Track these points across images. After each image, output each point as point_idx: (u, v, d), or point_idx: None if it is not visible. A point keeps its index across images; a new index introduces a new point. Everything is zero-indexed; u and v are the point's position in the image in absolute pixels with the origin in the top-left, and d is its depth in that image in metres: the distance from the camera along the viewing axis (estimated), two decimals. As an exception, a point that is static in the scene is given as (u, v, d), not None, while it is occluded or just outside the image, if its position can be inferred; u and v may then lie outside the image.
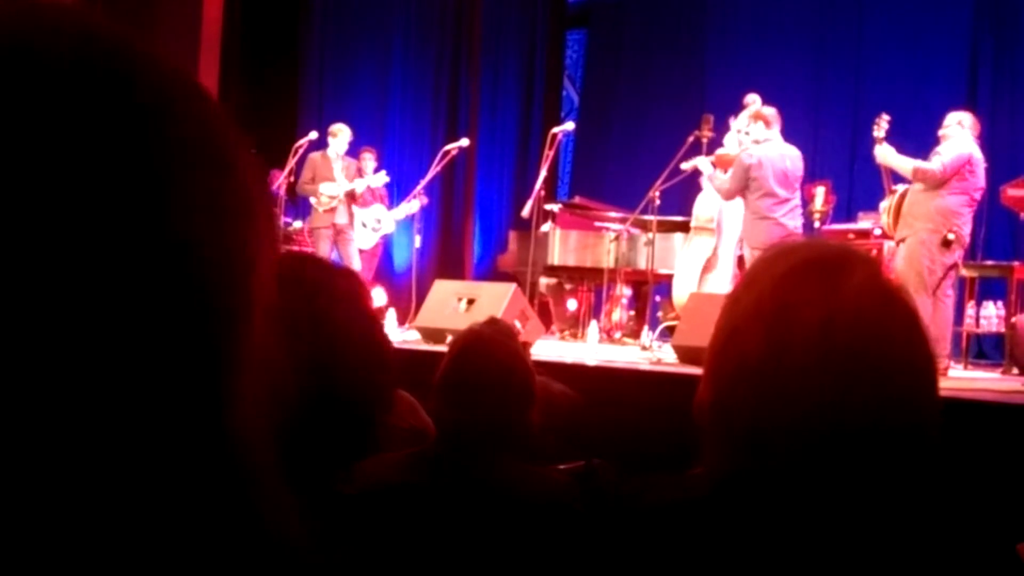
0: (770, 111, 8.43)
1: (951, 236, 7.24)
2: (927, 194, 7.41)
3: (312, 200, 10.50)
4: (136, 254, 0.54)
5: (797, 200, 8.36)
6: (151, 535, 0.55)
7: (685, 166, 9.25)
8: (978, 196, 7.49)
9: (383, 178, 10.82)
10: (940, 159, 7.37)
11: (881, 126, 7.99)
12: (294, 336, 1.43)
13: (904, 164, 7.64)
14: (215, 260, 0.57)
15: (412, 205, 11.01)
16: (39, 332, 0.52)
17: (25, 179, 0.52)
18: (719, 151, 9.09)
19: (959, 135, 7.48)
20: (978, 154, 7.47)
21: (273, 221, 0.64)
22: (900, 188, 7.69)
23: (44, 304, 0.52)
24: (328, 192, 10.39)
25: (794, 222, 8.25)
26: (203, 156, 0.58)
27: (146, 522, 0.54)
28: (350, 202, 10.54)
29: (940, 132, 7.62)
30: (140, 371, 0.54)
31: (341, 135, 10.67)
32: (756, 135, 8.38)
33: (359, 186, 10.52)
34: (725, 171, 8.70)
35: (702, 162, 9.06)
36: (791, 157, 8.30)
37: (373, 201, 10.83)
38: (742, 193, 8.35)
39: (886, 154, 7.78)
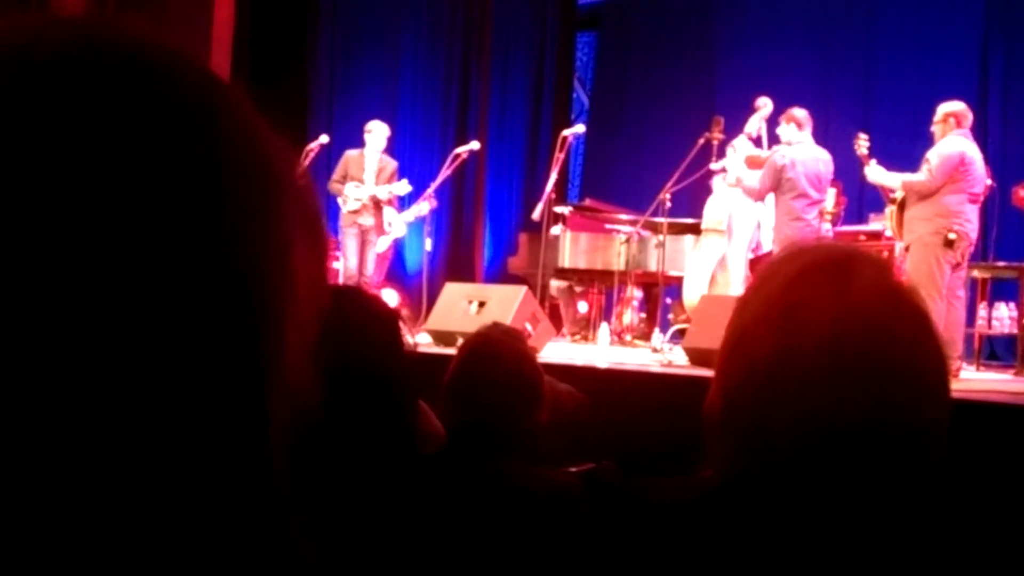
0: (802, 113, 8.42)
1: (952, 236, 7.22)
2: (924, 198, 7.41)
3: (339, 200, 10.28)
4: (186, 260, 0.54)
5: (825, 203, 8.43)
6: (183, 541, 0.55)
7: (716, 166, 9.25)
8: (978, 191, 7.44)
9: (406, 187, 10.65)
10: (928, 168, 7.34)
11: (861, 145, 8.00)
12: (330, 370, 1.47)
13: (894, 181, 7.66)
14: (260, 268, 0.57)
15: (421, 207, 10.96)
16: (86, 334, 0.52)
17: (76, 186, 0.52)
18: (748, 152, 9.06)
19: (949, 136, 7.42)
20: (971, 152, 7.40)
21: (319, 231, 0.64)
22: (899, 195, 7.66)
23: (93, 307, 0.52)
24: (353, 195, 10.15)
25: (822, 225, 8.28)
26: (249, 164, 0.58)
27: (178, 528, 0.55)
28: (376, 205, 10.32)
29: (932, 127, 7.58)
30: (184, 376, 0.54)
31: (376, 131, 10.37)
32: (788, 137, 8.39)
33: (382, 193, 10.36)
34: (754, 171, 8.71)
35: (732, 162, 9.03)
36: (823, 160, 8.35)
37: (384, 204, 10.68)
38: (771, 194, 8.39)
39: (876, 174, 7.83)
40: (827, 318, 1.14)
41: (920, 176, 7.38)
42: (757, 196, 8.63)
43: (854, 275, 1.17)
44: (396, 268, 12.05)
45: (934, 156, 7.35)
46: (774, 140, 8.95)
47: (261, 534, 0.58)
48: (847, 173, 10.27)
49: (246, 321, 0.57)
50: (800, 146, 8.31)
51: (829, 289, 1.16)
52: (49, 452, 0.52)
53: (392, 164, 10.49)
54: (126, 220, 0.53)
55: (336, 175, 10.32)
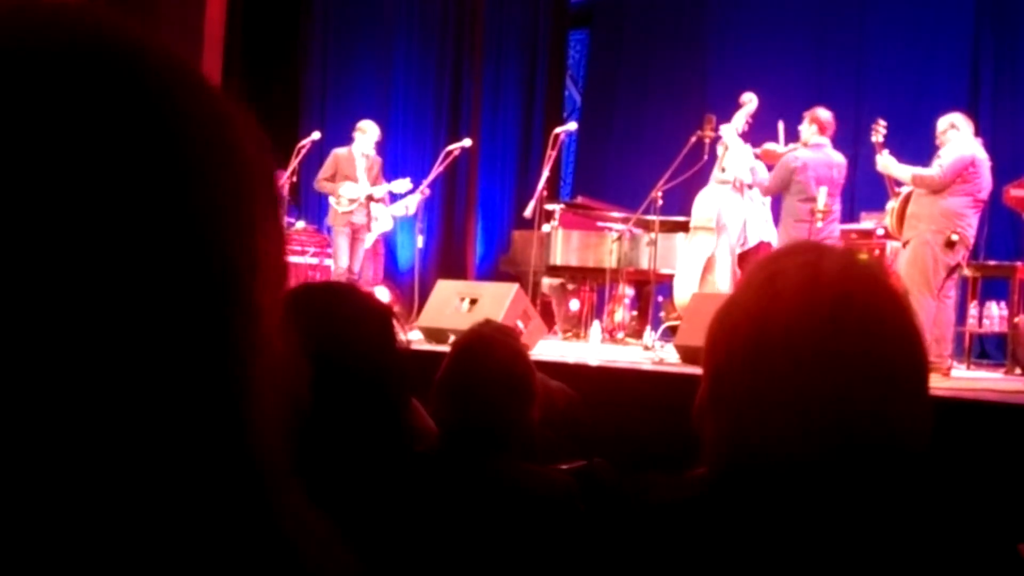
0: (826, 115, 8.42)
1: (955, 237, 7.24)
2: (930, 196, 7.42)
3: (331, 199, 10.30)
4: (149, 246, 0.54)
5: (837, 207, 8.40)
6: (165, 531, 0.55)
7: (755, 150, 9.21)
8: (983, 196, 7.47)
9: (406, 184, 10.63)
10: (939, 163, 7.37)
11: (879, 132, 8.00)
12: (322, 364, 1.48)
13: (903, 172, 7.65)
14: (226, 251, 0.58)
15: (409, 201, 10.91)
16: (52, 329, 0.52)
17: (28, 177, 0.52)
18: (766, 145, 9.04)
19: (959, 138, 7.46)
20: (981, 154, 7.45)
21: (278, 213, 0.65)
22: (904, 190, 7.69)
23: (59, 299, 0.52)
24: (349, 195, 10.17)
25: (829, 228, 8.27)
26: (213, 149, 0.59)
27: (160, 518, 0.55)
28: (369, 203, 10.34)
29: (937, 141, 7.61)
30: (155, 361, 0.54)
31: (370, 132, 10.38)
32: (807, 136, 8.39)
33: (378, 191, 10.35)
34: (769, 164, 8.71)
35: (731, 156, 9.04)
36: (837, 166, 8.37)
37: (376, 201, 10.68)
38: (781, 194, 8.44)
39: (887, 163, 7.81)
40: (798, 290, 1.16)
41: (931, 170, 7.40)
42: (765, 192, 8.71)
43: (824, 254, 1.20)
44: (388, 265, 12.03)
45: (947, 153, 7.39)
46: (756, 134, 8.96)
47: (254, 517, 0.58)
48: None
49: (220, 301, 0.57)
50: (817, 149, 8.32)
51: (801, 270, 1.18)
52: (11, 431, 0.52)
53: (378, 161, 10.53)
54: (99, 203, 0.53)
55: (324, 173, 10.32)
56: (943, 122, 7.63)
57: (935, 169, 7.37)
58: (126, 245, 0.53)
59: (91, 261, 0.53)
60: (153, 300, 0.54)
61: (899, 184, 7.81)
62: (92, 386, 0.53)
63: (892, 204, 7.83)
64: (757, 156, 8.95)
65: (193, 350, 0.56)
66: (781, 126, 9.10)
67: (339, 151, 10.42)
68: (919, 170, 7.51)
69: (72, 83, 0.54)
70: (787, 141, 8.99)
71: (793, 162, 8.28)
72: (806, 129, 8.43)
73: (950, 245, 7.25)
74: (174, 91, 0.58)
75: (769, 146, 8.99)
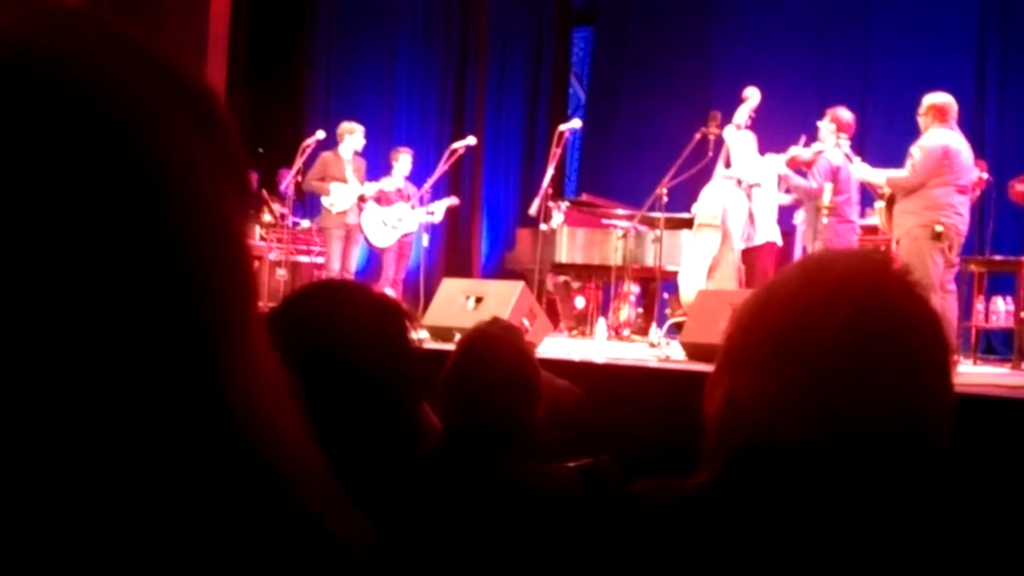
0: (848, 116, 8.36)
1: (939, 228, 7.22)
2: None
3: (324, 200, 10.42)
4: (128, 248, 0.54)
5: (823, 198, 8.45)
6: (156, 511, 0.55)
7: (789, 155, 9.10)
8: (965, 182, 7.43)
9: (397, 182, 10.67)
10: (912, 163, 7.32)
11: (841, 147, 7.95)
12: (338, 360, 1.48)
13: (878, 177, 7.62)
14: (207, 248, 0.58)
15: (441, 205, 10.97)
16: (40, 328, 0.52)
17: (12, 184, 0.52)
18: (791, 151, 8.90)
19: (931, 130, 7.40)
20: (955, 143, 7.37)
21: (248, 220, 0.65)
22: (887, 189, 7.63)
23: (44, 301, 0.52)
24: (340, 195, 10.29)
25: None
26: (190, 152, 0.58)
27: (151, 500, 0.55)
28: (360, 203, 10.45)
29: (918, 118, 7.57)
30: (137, 357, 0.55)
31: (358, 133, 10.52)
32: (826, 136, 8.31)
33: (369, 190, 10.40)
34: (796, 171, 8.58)
35: (738, 155, 9.00)
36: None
37: (397, 200, 10.73)
38: (761, 187, 8.41)
39: (860, 172, 7.76)
40: (819, 290, 1.17)
41: (904, 172, 7.38)
42: (814, 194, 8.34)
43: (847, 257, 1.23)
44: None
45: (917, 151, 7.34)
46: (759, 129, 8.93)
47: (253, 495, 0.59)
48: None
49: (197, 290, 0.57)
50: (837, 151, 8.25)
51: (822, 271, 1.18)
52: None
53: (363, 162, 10.63)
54: (63, 203, 0.53)
55: (314, 174, 10.42)
56: (925, 103, 7.54)
57: (908, 171, 7.34)
58: (110, 251, 0.53)
59: (74, 266, 0.53)
60: (136, 297, 0.54)
61: (880, 187, 7.78)
62: (78, 376, 0.53)
63: (880, 204, 7.79)
64: (787, 164, 8.79)
65: (178, 340, 0.56)
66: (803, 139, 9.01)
67: (326, 154, 10.53)
68: (892, 173, 7.48)
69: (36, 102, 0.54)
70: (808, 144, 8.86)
71: (836, 161, 8.17)
72: (825, 127, 8.36)
73: (936, 237, 7.24)
74: (148, 111, 0.58)
75: (794, 151, 8.85)
